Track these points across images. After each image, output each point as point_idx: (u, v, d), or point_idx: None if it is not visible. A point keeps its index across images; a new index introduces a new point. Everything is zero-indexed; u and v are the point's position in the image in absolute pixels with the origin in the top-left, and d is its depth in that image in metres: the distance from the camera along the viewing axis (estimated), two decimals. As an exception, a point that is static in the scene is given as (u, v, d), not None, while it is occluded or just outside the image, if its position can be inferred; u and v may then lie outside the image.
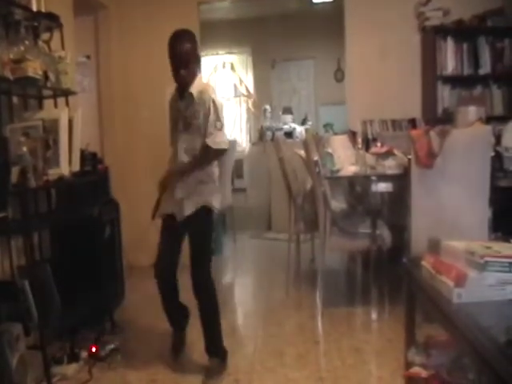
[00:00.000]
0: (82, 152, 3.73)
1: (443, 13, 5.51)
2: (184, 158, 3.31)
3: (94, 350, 3.53)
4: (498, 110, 5.50)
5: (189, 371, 3.39)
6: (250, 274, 5.96)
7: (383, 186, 4.11)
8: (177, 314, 3.62)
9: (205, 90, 3.26)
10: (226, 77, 9.91)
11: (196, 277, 3.32)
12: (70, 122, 3.53)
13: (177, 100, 3.35)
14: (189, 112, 3.26)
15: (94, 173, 3.95)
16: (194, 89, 3.25)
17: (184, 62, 3.16)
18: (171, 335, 3.64)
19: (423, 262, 2.70)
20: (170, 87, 3.42)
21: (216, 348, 3.43)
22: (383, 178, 4.12)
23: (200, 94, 3.23)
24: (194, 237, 3.38)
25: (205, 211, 3.34)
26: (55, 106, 3.92)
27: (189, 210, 3.31)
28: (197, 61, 3.31)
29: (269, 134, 8.76)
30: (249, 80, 9.91)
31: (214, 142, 3.20)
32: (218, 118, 3.23)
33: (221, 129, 3.23)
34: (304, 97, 10.07)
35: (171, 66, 3.20)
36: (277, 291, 5.01)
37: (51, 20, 3.78)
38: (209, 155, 3.27)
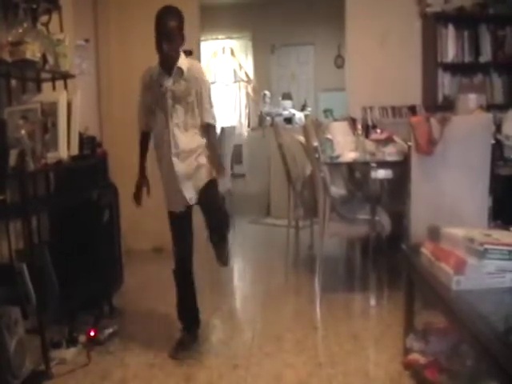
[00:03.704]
0: (81, 135, 3.71)
1: (444, -1, 5.48)
2: (178, 133, 3.29)
3: (92, 333, 3.52)
4: (499, 98, 5.49)
5: (188, 354, 3.39)
6: (249, 260, 5.95)
7: (383, 173, 4.11)
8: (193, 312, 3.60)
9: (195, 67, 3.34)
10: (225, 62, 9.88)
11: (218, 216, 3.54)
12: (69, 105, 3.50)
13: (160, 76, 3.29)
14: (178, 86, 3.25)
15: (92, 156, 3.93)
16: (182, 64, 3.26)
17: (168, 36, 3.15)
18: (181, 334, 3.54)
19: (423, 249, 2.71)
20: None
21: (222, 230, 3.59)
22: (383, 164, 4.11)
23: (190, 71, 3.27)
24: (209, 204, 3.45)
25: (210, 182, 3.40)
26: (54, 88, 3.90)
27: (193, 193, 3.36)
28: (181, 38, 3.24)
29: (268, 119, 8.74)
30: (248, 65, 9.88)
31: (213, 118, 3.34)
32: (210, 96, 3.35)
33: (212, 106, 3.36)
34: (303, 82, 10.04)
35: (156, 39, 3.17)
36: (275, 277, 5.02)
37: (50, 2, 3.75)
38: (214, 132, 3.41)
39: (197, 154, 3.34)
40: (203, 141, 3.36)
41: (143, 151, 3.58)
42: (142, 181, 3.54)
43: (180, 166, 3.31)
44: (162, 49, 3.16)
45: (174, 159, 3.29)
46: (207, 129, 3.35)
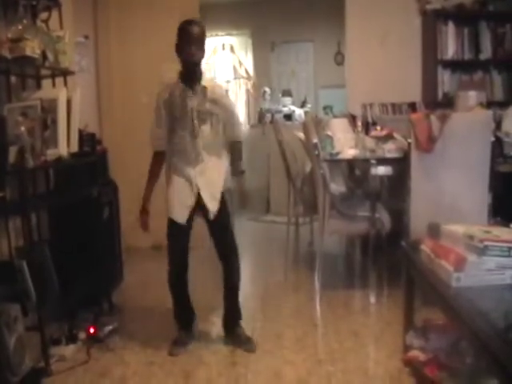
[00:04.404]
0: (81, 132, 3.71)
1: (444, -4, 5.47)
2: (205, 154, 3.32)
3: (92, 331, 3.52)
4: (499, 95, 5.49)
5: (186, 352, 3.39)
6: (248, 257, 5.95)
7: (383, 170, 4.10)
8: (189, 311, 3.62)
9: (218, 89, 3.43)
10: (225, 59, 9.86)
11: (228, 250, 3.48)
12: (69, 101, 3.50)
13: (184, 92, 3.27)
14: (203, 106, 3.27)
15: (92, 154, 3.93)
16: (206, 83, 3.30)
17: (197, 41, 3.19)
18: (178, 333, 3.56)
19: (422, 246, 2.71)
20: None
21: (240, 316, 3.59)
22: (383, 161, 4.11)
23: (214, 93, 3.31)
24: (221, 219, 3.44)
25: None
26: (53, 85, 3.90)
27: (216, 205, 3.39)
28: (204, 49, 3.28)
29: (268, 116, 8.72)
30: (248, 62, 9.87)
31: (239, 136, 3.48)
32: (237, 115, 3.52)
33: (240, 124, 3.57)
34: (303, 79, 10.04)
35: (181, 47, 3.20)
36: (275, 274, 5.02)
37: (50, -1, 3.75)
38: (241, 148, 3.49)
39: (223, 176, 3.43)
40: (227, 163, 3.47)
41: (154, 176, 3.46)
42: (145, 212, 3.47)
43: (203, 185, 3.34)
44: (190, 53, 3.18)
45: (200, 180, 3.33)
46: (234, 145, 3.46)
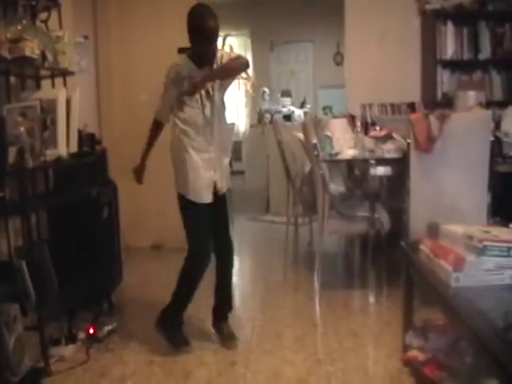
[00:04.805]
0: (80, 133, 3.71)
1: (443, -4, 5.47)
2: (216, 126, 3.31)
3: (91, 331, 3.52)
4: (498, 95, 5.49)
5: (186, 352, 3.39)
6: (248, 257, 5.95)
7: (382, 170, 4.10)
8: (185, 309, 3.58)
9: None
10: (224, 59, 9.86)
11: (229, 240, 3.51)
12: (68, 102, 3.50)
13: (192, 71, 3.22)
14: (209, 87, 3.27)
15: (91, 154, 3.93)
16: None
17: (214, 38, 3.15)
18: (178, 335, 3.49)
19: (421, 246, 2.71)
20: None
21: (231, 308, 3.64)
22: (382, 161, 4.10)
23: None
24: (225, 210, 3.49)
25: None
26: (53, 86, 3.90)
27: (227, 184, 3.46)
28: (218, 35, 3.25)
29: (267, 116, 8.73)
30: (247, 62, 9.88)
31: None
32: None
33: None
34: (303, 80, 10.06)
35: (196, 38, 3.12)
36: (274, 274, 5.02)
37: (49, -1, 3.75)
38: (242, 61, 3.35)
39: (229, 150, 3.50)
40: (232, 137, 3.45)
41: (153, 139, 3.51)
42: (142, 167, 3.54)
43: (219, 158, 3.36)
44: (207, 50, 3.16)
45: (213, 153, 3.33)
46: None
